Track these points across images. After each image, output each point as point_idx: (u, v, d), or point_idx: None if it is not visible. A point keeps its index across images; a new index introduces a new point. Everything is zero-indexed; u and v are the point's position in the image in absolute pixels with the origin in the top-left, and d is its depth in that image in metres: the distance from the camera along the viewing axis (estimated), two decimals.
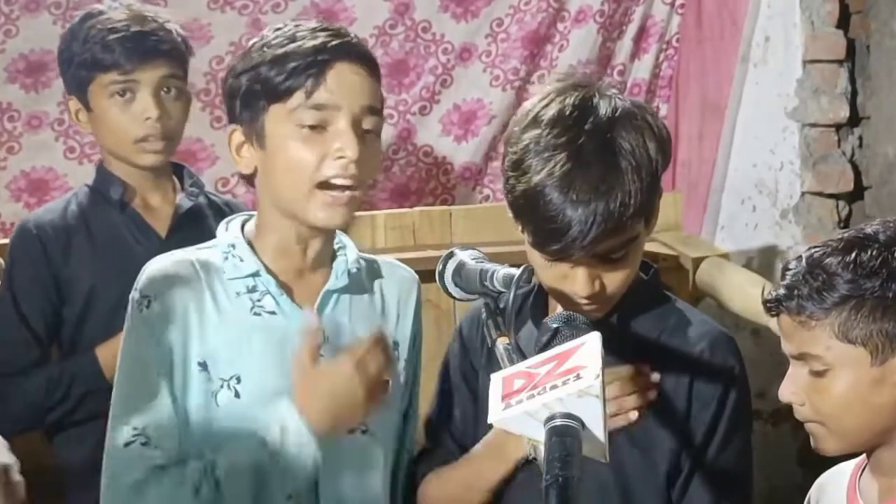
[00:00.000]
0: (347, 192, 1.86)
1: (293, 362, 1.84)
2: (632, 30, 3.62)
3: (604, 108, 1.82)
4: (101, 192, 2.49)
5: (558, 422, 1.37)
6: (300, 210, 1.88)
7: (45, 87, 3.21)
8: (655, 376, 1.84)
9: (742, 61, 3.54)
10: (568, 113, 1.81)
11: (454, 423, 2.05)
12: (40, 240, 2.44)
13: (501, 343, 1.67)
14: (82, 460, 2.32)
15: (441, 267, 1.85)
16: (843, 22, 3.38)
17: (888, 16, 3.28)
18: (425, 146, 3.55)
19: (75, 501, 2.44)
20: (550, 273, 1.85)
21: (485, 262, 1.82)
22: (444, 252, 1.87)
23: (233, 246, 1.93)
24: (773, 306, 1.68)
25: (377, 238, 3.15)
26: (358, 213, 2.01)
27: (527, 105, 1.89)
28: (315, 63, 1.84)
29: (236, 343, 1.89)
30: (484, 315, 1.76)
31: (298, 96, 1.84)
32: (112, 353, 2.11)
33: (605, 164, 1.78)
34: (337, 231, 1.96)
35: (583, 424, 1.38)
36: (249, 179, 1.95)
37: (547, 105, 1.84)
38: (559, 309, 1.86)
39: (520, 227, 1.87)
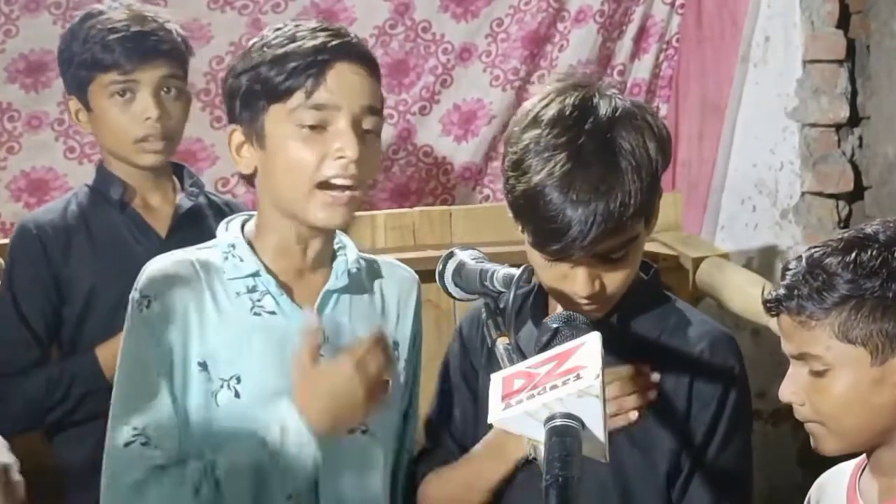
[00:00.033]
0: (347, 192, 1.86)
1: (293, 362, 1.84)
2: (632, 30, 3.62)
3: (604, 108, 1.82)
4: (101, 192, 2.49)
5: (558, 422, 1.37)
6: (300, 210, 1.88)
7: (45, 87, 3.21)
8: (655, 376, 1.84)
9: (742, 61, 3.54)
10: (568, 113, 1.81)
11: (454, 423, 2.05)
12: (40, 240, 2.44)
13: (501, 343, 1.67)
14: (82, 460, 2.32)
15: (441, 267, 1.85)
16: (843, 22, 3.38)
17: (888, 16, 3.28)
18: (425, 146, 3.55)
19: (75, 501, 2.44)
20: (550, 273, 1.85)
21: (485, 262, 1.82)
22: (444, 252, 1.87)
23: (233, 246, 1.93)
24: (773, 306, 1.68)
25: (377, 238, 3.15)
26: (358, 213, 2.01)
27: (527, 105, 1.89)
28: (315, 63, 1.84)
29: (236, 343, 1.89)
30: (484, 315, 1.76)
31: (298, 96, 1.84)
32: (112, 353, 2.11)
33: (605, 164, 1.78)
34: (337, 231, 1.96)
35: (583, 424, 1.38)
36: (249, 179, 1.95)
37: (547, 105, 1.84)
38: (559, 309, 1.86)
39: (520, 227, 1.87)
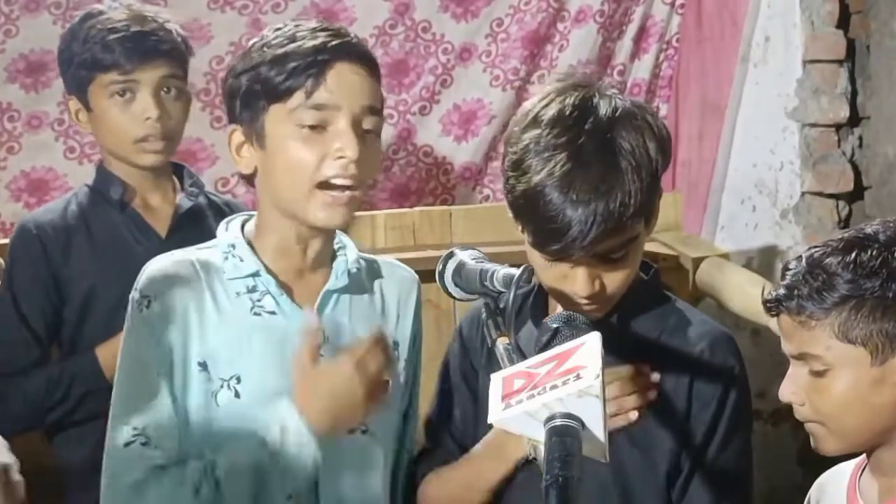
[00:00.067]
0: (347, 192, 1.86)
1: (293, 362, 1.84)
2: (632, 30, 3.62)
3: (604, 108, 1.82)
4: (101, 192, 2.49)
5: (558, 422, 1.37)
6: (300, 210, 1.87)
7: (45, 87, 3.21)
8: (655, 376, 1.84)
9: (742, 61, 3.54)
10: (568, 113, 1.81)
11: (454, 423, 2.05)
12: (40, 240, 2.43)
13: (501, 343, 1.67)
14: (82, 460, 2.32)
15: (441, 267, 1.85)
16: (843, 22, 3.37)
17: (888, 16, 3.28)
18: (425, 146, 3.55)
19: (75, 501, 2.44)
20: (550, 273, 1.85)
21: (485, 262, 1.82)
22: (444, 252, 1.87)
23: (233, 246, 1.93)
24: (774, 306, 1.68)
25: (377, 238, 3.15)
26: (358, 213, 2.01)
27: (527, 105, 1.89)
28: (315, 63, 1.84)
29: (236, 343, 1.89)
30: (484, 315, 1.76)
31: (298, 96, 1.84)
32: (112, 353, 2.11)
33: (606, 164, 1.78)
34: (337, 231, 1.96)
35: (583, 424, 1.38)
36: (249, 179, 1.95)
37: (547, 105, 1.84)
38: (559, 309, 1.86)
39: (520, 227, 1.87)
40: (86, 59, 2.43)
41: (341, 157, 1.84)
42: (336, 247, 1.99)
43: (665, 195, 1.97)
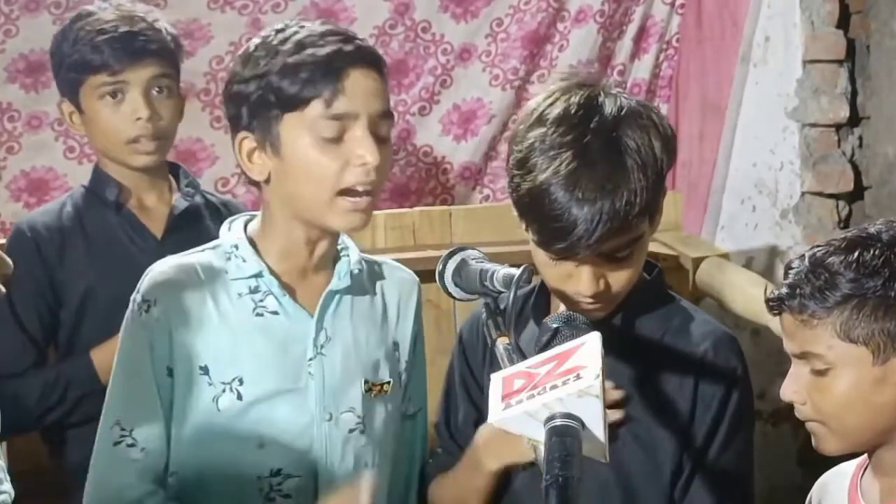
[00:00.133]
0: (367, 198, 1.86)
1: None
2: (632, 30, 3.62)
3: (609, 107, 1.82)
4: (97, 193, 2.48)
5: (558, 422, 1.37)
6: (319, 216, 1.87)
7: (45, 87, 3.20)
8: (618, 393, 1.84)
9: (742, 61, 3.54)
10: (573, 111, 1.81)
11: (458, 426, 2.05)
12: (35, 241, 2.43)
13: (501, 343, 1.67)
14: (82, 461, 2.32)
15: (441, 267, 1.85)
16: (843, 22, 3.37)
17: (888, 16, 3.28)
18: (425, 146, 3.55)
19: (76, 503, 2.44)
20: (555, 272, 1.85)
21: (485, 262, 1.82)
22: (444, 252, 1.87)
23: (236, 247, 1.93)
24: (776, 305, 1.68)
25: (377, 238, 3.15)
26: None
27: (531, 103, 1.88)
28: (331, 71, 1.83)
29: (239, 345, 1.89)
30: (484, 315, 1.75)
31: (316, 106, 1.83)
32: (107, 356, 2.11)
33: (611, 162, 1.78)
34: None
35: (583, 424, 1.38)
36: (254, 181, 1.93)
37: (552, 104, 1.83)
38: (561, 308, 1.86)
39: (524, 226, 1.87)
40: (76, 61, 2.42)
41: (363, 164, 1.83)
42: (339, 248, 1.99)
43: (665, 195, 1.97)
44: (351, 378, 1.94)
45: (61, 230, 2.45)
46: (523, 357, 1.57)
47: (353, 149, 1.83)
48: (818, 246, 1.67)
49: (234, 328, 1.90)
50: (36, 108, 3.23)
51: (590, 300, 1.84)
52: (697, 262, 3.17)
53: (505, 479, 1.92)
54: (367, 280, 2.00)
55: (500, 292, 1.75)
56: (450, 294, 1.85)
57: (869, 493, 1.72)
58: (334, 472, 1.91)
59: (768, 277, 3.13)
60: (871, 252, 1.62)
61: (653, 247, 3.18)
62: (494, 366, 1.61)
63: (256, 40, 1.91)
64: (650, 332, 1.91)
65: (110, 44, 2.40)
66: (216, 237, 1.99)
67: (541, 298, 1.97)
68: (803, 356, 1.66)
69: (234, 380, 1.88)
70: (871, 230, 1.66)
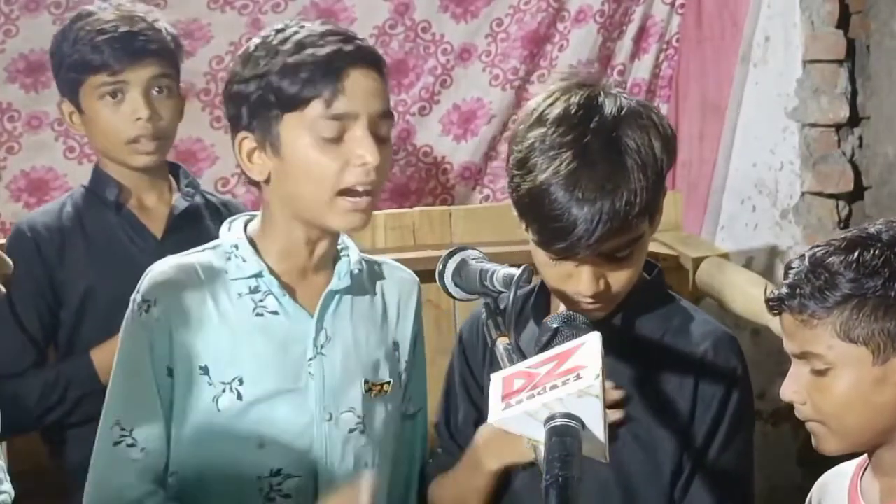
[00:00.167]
0: (367, 198, 1.86)
1: None
2: (632, 30, 3.62)
3: (609, 107, 1.82)
4: (97, 193, 2.48)
5: (558, 422, 1.37)
6: (319, 216, 1.87)
7: (45, 87, 3.20)
8: (618, 393, 1.84)
9: (742, 61, 3.54)
10: (573, 111, 1.81)
11: (458, 426, 2.05)
12: (35, 241, 2.43)
13: (501, 343, 1.67)
14: (82, 461, 2.32)
15: (441, 267, 1.84)
16: (843, 22, 3.37)
17: (888, 16, 3.28)
18: (425, 146, 3.55)
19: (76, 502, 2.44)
20: (555, 272, 1.85)
21: (485, 262, 1.82)
22: (444, 252, 1.87)
23: (236, 247, 1.93)
24: (776, 305, 1.68)
25: (377, 238, 3.15)
26: None
27: (531, 103, 1.88)
28: (331, 71, 1.83)
29: (239, 345, 1.89)
30: (484, 315, 1.75)
31: (316, 106, 1.83)
32: (107, 356, 2.11)
33: (611, 162, 1.78)
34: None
35: (583, 424, 1.38)
36: (254, 181, 1.93)
37: (552, 104, 1.83)
38: (561, 308, 1.86)
39: (524, 226, 1.86)
40: (75, 61, 2.41)
41: (363, 164, 1.83)
42: (339, 248, 1.99)
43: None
44: (351, 378, 1.94)
45: (61, 230, 2.45)
46: (523, 357, 1.57)
47: (353, 149, 1.83)
48: (818, 246, 1.67)
49: (234, 328, 1.90)
50: (36, 108, 3.23)
51: (590, 300, 1.84)
52: (697, 262, 3.17)
53: (505, 479, 1.92)
54: (367, 280, 2.00)
55: (500, 292, 1.75)
56: (450, 294, 1.85)
57: (869, 493, 1.72)
58: (334, 472, 1.91)
59: (768, 277, 3.13)
60: (871, 252, 1.62)
61: (653, 247, 3.18)
62: (494, 366, 1.61)
63: (256, 40, 1.91)
64: (650, 332, 1.91)
65: (110, 44, 2.40)
66: (216, 237, 1.99)
67: (541, 298, 1.97)
68: (803, 356, 1.66)
69: (234, 380, 1.88)
70: (871, 230, 1.66)
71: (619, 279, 1.85)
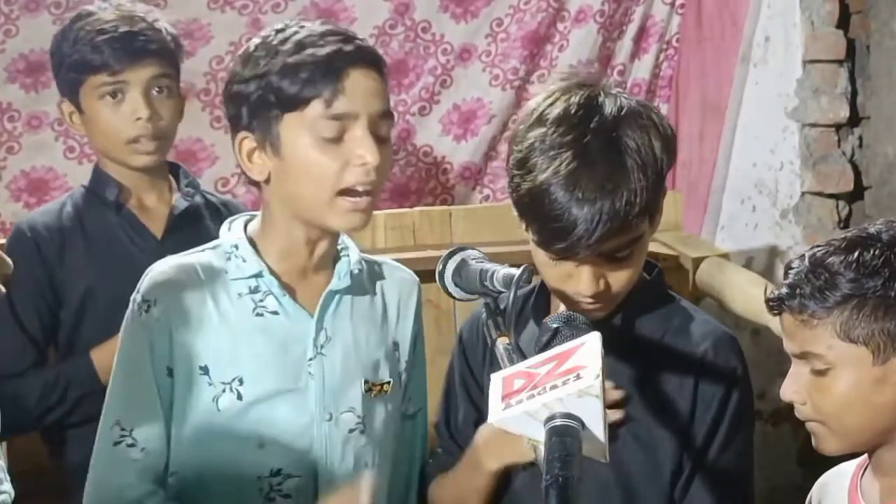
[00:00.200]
0: (367, 198, 1.86)
1: None
2: (632, 30, 3.62)
3: (609, 107, 1.81)
4: (97, 193, 2.48)
5: (558, 422, 1.37)
6: (319, 216, 1.87)
7: (45, 88, 3.20)
8: (618, 393, 1.84)
9: (742, 61, 3.54)
10: (573, 111, 1.81)
11: (458, 426, 2.05)
12: (35, 241, 2.42)
13: (501, 343, 1.67)
14: (82, 461, 2.32)
15: (441, 267, 1.84)
16: (843, 22, 3.37)
17: (888, 16, 3.28)
18: (425, 146, 3.55)
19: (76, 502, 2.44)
20: (555, 272, 1.85)
21: (485, 262, 1.82)
22: (444, 252, 1.87)
23: (236, 247, 1.93)
24: (776, 305, 1.68)
25: (377, 238, 3.15)
26: None
27: (531, 103, 1.88)
28: (331, 71, 1.82)
29: (239, 345, 1.90)
30: (484, 315, 1.75)
31: (316, 106, 1.83)
32: (107, 356, 2.11)
33: (611, 162, 1.78)
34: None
35: (583, 424, 1.38)
36: (254, 181, 1.93)
37: (552, 104, 1.83)
38: (561, 308, 1.86)
39: (524, 226, 1.86)
40: (75, 61, 2.41)
41: (363, 164, 1.83)
42: (339, 248, 1.99)
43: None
44: (351, 378, 1.94)
45: (61, 230, 2.45)
46: (523, 357, 1.57)
47: (353, 149, 1.83)
48: (818, 246, 1.68)
49: (234, 328, 1.90)
50: (36, 108, 3.23)
51: (590, 300, 1.84)
52: (697, 262, 3.17)
53: (505, 479, 1.92)
54: (367, 280, 2.01)
55: (500, 292, 1.75)
56: (450, 294, 1.85)
57: (869, 493, 1.72)
58: (334, 472, 1.91)
59: (768, 277, 3.13)
60: (871, 252, 1.62)
61: (653, 247, 3.18)
62: (494, 366, 1.61)
63: (256, 40, 1.90)
64: (650, 332, 1.91)
65: (110, 44, 2.40)
66: (216, 237, 1.99)
67: (541, 298, 1.97)
68: (803, 356, 1.66)
69: (234, 380, 1.88)
70: (871, 230, 1.66)
71: (619, 279, 1.85)
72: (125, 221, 2.47)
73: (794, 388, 1.68)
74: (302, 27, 1.88)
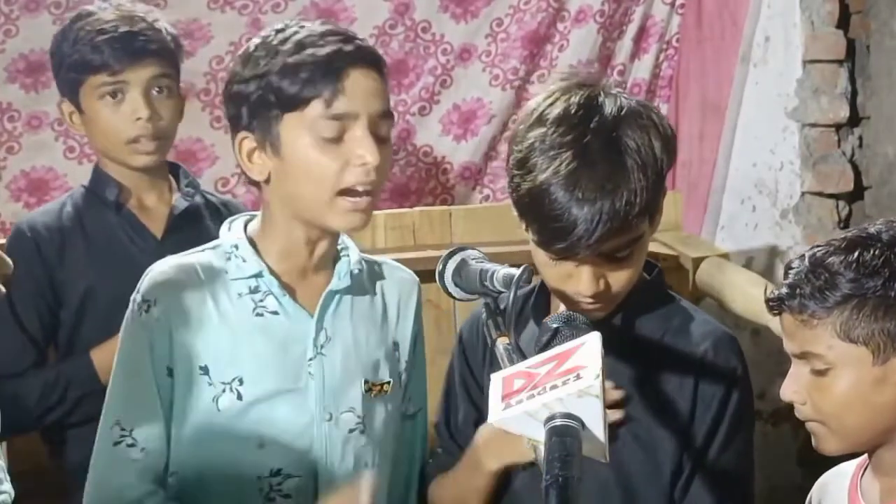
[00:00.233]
0: (367, 198, 1.86)
1: None
2: (632, 30, 3.62)
3: (609, 107, 1.81)
4: (97, 193, 2.48)
5: (558, 422, 1.37)
6: (318, 216, 1.87)
7: (45, 88, 3.20)
8: (618, 393, 1.84)
9: (742, 61, 3.54)
10: (573, 111, 1.81)
11: (458, 426, 2.05)
12: (35, 241, 2.42)
13: (501, 343, 1.67)
14: (82, 461, 2.32)
15: (441, 267, 1.84)
16: (843, 22, 3.37)
17: (888, 16, 3.28)
18: (425, 146, 3.55)
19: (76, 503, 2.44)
20: (555, 272, 1.85)
21: (485, 262, 1.82)
22: (444, 252, 1.87)
23: (236, 247, 1.93)
24: (776, 305, 1.68)
25: (377, 238, 3.15)
26: None
27: (531, 103, 1.88)
28: (331, 71, 1.82)
29: (239, 345, 1.90)
30: (484, 315, 1.75)
31: (316, 106, 1.83)
32: (107, 356, 2.11)
33: (611, 162, 1.78)
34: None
35: (583, 424, 1.38)
36: (254, 181, 1.93)
37: (552, 104, 1.83)
38: (561, 309, 1.86)
39: (524, 226, 1.86)
40: (75, 62, 2.41)
41: (363, 164, 1.83)
42: (339, 248, 1.99)
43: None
44: (351, 378, 1.94)
45: (61, 230, 2.45)
46: (523, 357, 1.57)
47: (353, 149, 1.83)
48: (818, 246, 1.68)
49: (234, 328, 1.90)
50: (36, 108, 3.23)
51: (590, 300, 1.83)
52: (697, 262, 3.17)
53: (505, 479, 1.93)
54: (367, 280, 2.01)
55: (500, 292, 1.75)
56: (450, 294, 1.85)
57: (869, 494, 1.72)
58: (334, 472, 1.91)
59: (768, 277, 3.13)
60: (872, 252, 1.62)
61: (653, 247, 3.18)
62: (494, 366, 1.61)
63: (256, 40, 1.90)
64: (650, 332, 1.91)
65: (110, 44, 2.39)
66: (216, 237, 1.99)
67: (541, 298, 1.97)
68: (803, 356, 1.66)
69: (234, 380, 1.88)
70: (872, 230, 1.66)
71: (620, 279, 1.85)
72: (125, 221, 2.47)
73: (794, 388, 1.68)
74: (302, 27, 1.88)
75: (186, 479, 1.91)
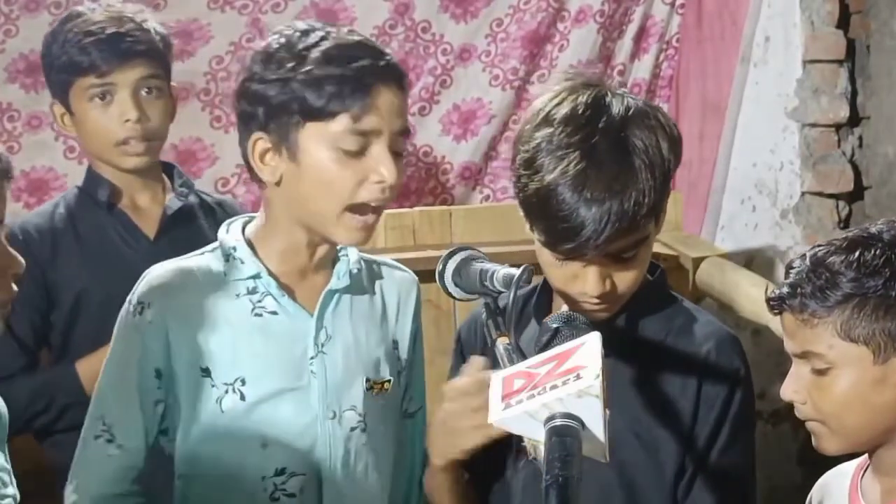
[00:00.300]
0: (374, 215, 1.86)
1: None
2: (632, 30, 3.62)
3: (616, 107, 1.81)
4: (89, 194, 2.47)
5: (558, 422, 1.37)
6: (323, 227, 1.87)
7: (45, 88, 3.17)
8: None
9: (742, 61, 3.54)
10: (581, 111, 1.80)
11: None
12: (26, 244, 2.41)
13: (501, 343, 1.67)
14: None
15: (441, 267, 1.84)
16: (843, 22, 3.37)
17: (888, 16, 3.28)
18: (425, 146, 3.55)
19: None
20: (560, 273, 1.84)
21: (485, 262, 1.82)
22: (444, 252, 1.87)
23: (234, 249, 1.93)
24: (777, 304, 1.68)
25: (377, 238, 3.15)
26: None
27: (538, 103, 1.87)
28: (361, 87, 1.80)
29: (239, 345, 1.90)
30: (484, 315, 1.75)
31: (343, 120, 1.81)
32: (92, 368, 2.13)
33: (619, 162, 1.77)
34: None
35: (583, 424, 1.38)
36: (257, 178, 1.92)
37: (559, 104, 1.82)
38: (563, 308, 1.86)
39: (530, 226, 1.86)
40: (64, 63, 2.39)
41: (379, 182, 1.83)
42: (338, 247, 1.99)
43: None
44: (352, 376, 1.94)
45: (53, 231, 2.43)
46: (523, 357, 1.56)
47: (373, 165, 1.82)
48: (819, 245, 1.68)
49: (234, 329, 1.90)
50: (36, 108, 3.24)
51: (595, 301, 1.83)
52: (697, 262, 3.18)
53: (493, 476, 1.91)
54: (366, 279, 2.01)
55: (500, 292, 1.75)
56: (450, 294, 1.85)
57: (869, 494, 1.72)
58: (338, 470, 1.92)
59: (768, 277, 3.13)
60: (872, 252, 1.62)
61: (653, 247, 3.19)
62: (494, 366, 1.61)
63: (280, 39, 1.85)
64: (653, 332, 1.91)
65: (98, 45, 2.37)
66: (210, 237, 1.99)
67: (543, 298, 1.96)
68: (804, 356, 1.66)
69: (236, 380, 1.88)
70: (872, 230, 1.66)
71: (625, 280, 1.84)
72: (117, 222, 2.45)
73: (794, 387, 1.68)
74: (329, 33, 1.85)
75: (192, 481, 1.91)
